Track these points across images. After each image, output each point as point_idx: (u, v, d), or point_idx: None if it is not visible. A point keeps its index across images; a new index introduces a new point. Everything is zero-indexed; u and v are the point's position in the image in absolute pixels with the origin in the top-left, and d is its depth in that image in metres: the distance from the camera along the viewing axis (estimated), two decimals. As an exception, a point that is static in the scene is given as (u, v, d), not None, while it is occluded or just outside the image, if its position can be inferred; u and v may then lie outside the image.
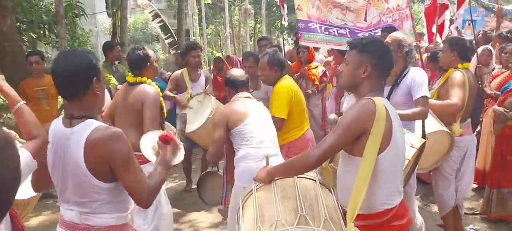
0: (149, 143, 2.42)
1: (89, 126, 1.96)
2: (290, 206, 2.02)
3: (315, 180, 2.27)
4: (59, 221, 2.11)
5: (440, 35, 6.50)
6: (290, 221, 1.91)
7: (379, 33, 5.35)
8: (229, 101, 3.56)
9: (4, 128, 0.87)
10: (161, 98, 3.53)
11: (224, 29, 23.68)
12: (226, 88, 3.65)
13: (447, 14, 5.71)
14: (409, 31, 5.57)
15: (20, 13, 8.35)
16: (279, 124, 3.77)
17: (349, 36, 5.61)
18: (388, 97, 3.23)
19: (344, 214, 2.12)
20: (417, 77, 3.30)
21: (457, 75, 3.68)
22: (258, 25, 24.95)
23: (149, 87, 3.43)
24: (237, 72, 3.66)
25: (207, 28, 22.57)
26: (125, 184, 1.98)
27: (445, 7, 5.68)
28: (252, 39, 25.00)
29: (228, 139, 3.40)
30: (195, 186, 4.40)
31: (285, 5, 7.08)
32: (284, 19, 7.41)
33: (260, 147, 3.22)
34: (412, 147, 2.80)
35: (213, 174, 3.80)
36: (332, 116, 4.26)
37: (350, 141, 2.07)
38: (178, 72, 5.55)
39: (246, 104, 3.41)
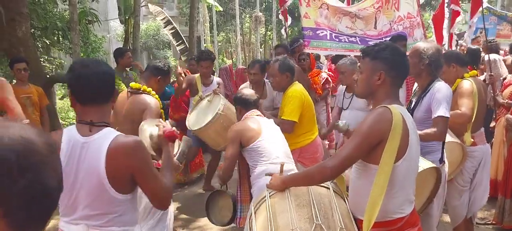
0: (148, 130, 2.41)
1: (110, 134, 1.93)
2: (305, 214, 2.02)
3: (328, 188, 2.27)
4: None
5: (450, 45, 6.45)
6: (305, 230, 1.91)
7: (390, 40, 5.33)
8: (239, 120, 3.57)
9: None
10: (161, 110, 3.49)
11: (234, 37, 23.78)
12: (236, 108, 3.67)
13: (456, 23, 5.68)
14: (420, 38, 5.55)
15: (34, 19, 8.47)
16: (290, 126, 3.80)
17: (360, 43, 5.59)
18: (412, 113, 3.08)
19: (356, 222, 2.12)
20: (437, 93, 3.05)
21: (465, 84, 3.63)
22: (269, 33, 25.01)
23: (150, 98, 3.38)
24: (248, 92, 3.69)
25: (218, 35, 22.68)
26: (148, 190, 1.96)
27: (457, 14, 5.65)
28: (263, 46, 25.06)
29: (242, 157, 3.39)
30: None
31: (289, 17, 6.98)
32: (285, 30, 7.37)
33: (277, 162, 3.08)
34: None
35: (222, 193, 3.76)
36: (343, 122, 4.16)
37: (367, 150, 2.05)
38: (192, 76, 5.66)
39: (258, 121, 3.41)
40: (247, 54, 26.03)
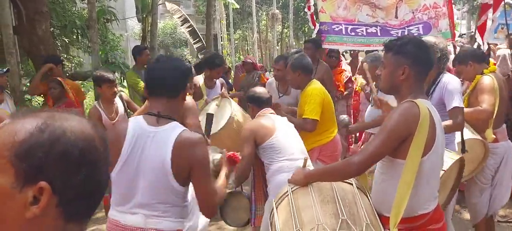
0: (211, 155, 2.50)
1: (177, 128, 2.00)
2: (329, 210, 2.01)
3: (352, 184, 2.25)
4: (111, 227, 2.05)
5: (481, 37, 6.26)
6: (331, 226, 1.90)
7: (413, 31, 5.22)
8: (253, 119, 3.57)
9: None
10: None
11: (251, 34, 23.80)
12: (249, 106, 3.66)
13: (489, 14, 5.48)
14: (445, 29, 5.39)
15: (54, 18, 8.59)
16: (312, 125, 3.77)
17: (379, 34, 5.46)
18: None
19: (380, 219, 2.10)
20: (448, 85, 3.18)
21: (486, 80, 3.60)
22: (286, 30, 24.97)
23: (189, 99, 3.44)
24: (261, 90, 3.68)
25: (234, 33, 22.73)
26: (200, 190, 2.01)
27: (487, 6, 5.47)
28: (279, 44, 25.03)
29: (256, 157, 3.37)
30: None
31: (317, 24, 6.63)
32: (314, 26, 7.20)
33: (293, 159, 3.18)
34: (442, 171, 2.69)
35: (237, 195, 3.75)
36: (344, 117, 4.22)
37: (394, 146, 2.01)
38: (196, 78, 5.46)
39: (272, 119, 3.39)
40: (264, 52, 26.02)
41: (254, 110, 3.58)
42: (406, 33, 5.35)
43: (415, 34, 5.26)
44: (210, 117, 3.44)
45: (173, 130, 1.98)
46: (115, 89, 4.49)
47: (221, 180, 2.29)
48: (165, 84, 2.05)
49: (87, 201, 0.93)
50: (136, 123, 2.04)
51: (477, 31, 5.44)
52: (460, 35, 11.26)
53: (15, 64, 6.47)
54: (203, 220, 3.43)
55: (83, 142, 0.90)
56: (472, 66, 3.72)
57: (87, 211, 0.95)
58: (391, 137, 2.00)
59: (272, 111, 3.55)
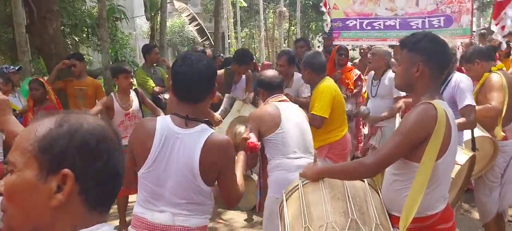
0: (237, 126, 2.52)
1: (207, 131, 2.02)
2: (340, 208, 2.00)
3: (363, 181, 2.23)
4: (136, 224, 2.08)
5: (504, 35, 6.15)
6: (340, 224, 1.89)
7: (434, 22, 5.18)
8: (262, 104, 3.42)
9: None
10: None
11: (258, 32, 23.80)
12: (259, 91, 3.47)
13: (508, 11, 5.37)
14: (466, 25, 5.34)
15: (65, 17, 8.68)
16: (320, 122, 3.77)
17: (398, 28, 5.41)
18: None
19: (390, 217, 2.10)
20: (460, 83, 3.19)
21: (494, 78, 3.59)
22: (293, 28, 24.93)
23: None
24: (271, 73, 3.46)
25: (241, 31, 22.74)
26: (225, 187, 2.09)
27: (505, 3, 5.38)
28: (286, 41, 24.99)
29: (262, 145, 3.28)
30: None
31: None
32: (327, 25, 7.17)
33: (294, 157, 3.08)
34: (457, 164, 2.65)
35: (247, 178, 3.73)
36: (364, 108, 4.27)
37: (409, 150, 1.98)
38: (221, 72, 5.43)
39: (279, 109, 3.17)
40: (271, 50, 26.01)
41: (264, 95, 3.37)
42: (426, 23, 5.29)
43: (436, 26, 5.22)
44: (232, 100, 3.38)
45: (202, 132, 2.00)
46: (131, 80, 4.57)
47: (240, 168, 2.34)
48: (191, 91, 2.04)
49: (107, 189, 0.98)
50: (164, 122, 2.04)
51: (500, 29, 5.33)
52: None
53: (27, 62, 6.57)
54: None
55: (99, 132, 0.97)
56: (480, 65, 3.72)
57: (107, 199, 1.00)
58: (406, 140, 1.96)
59: (284, 97, 3.37)
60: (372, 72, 5.12)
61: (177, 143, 1.99)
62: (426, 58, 2.05)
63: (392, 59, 5.13)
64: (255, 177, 3.76)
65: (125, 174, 1.04)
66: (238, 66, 5.26)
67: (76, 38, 9.91)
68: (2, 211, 0.95)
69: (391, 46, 5.44)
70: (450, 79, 3.27)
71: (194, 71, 2.01)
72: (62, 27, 8.64)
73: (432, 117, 1.93)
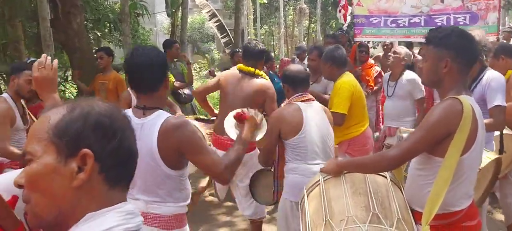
0: (232, 122, 2.54)
1: (162, 116, 2.09)
2: (361, 202, 1.99)
3: (386, 177, 2.22)
4: None
5: None
6: (361, 219, 1.89)
7: (459, 19, 5.10)
8: (287, 101, 3.33)
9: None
10: None
11: (278, 29, 23.74)
12: (284, 86, 3.30)
13: None
14: (492, 23, 5.24)
15: (88, 11, 8.80)
16: (340, 118, 3.76)
17: (423, 24, 5.35)
18: None
19: (412, 213, 2.08)
20: (492, 82, 3.07)
21: None
22: (313, 25, 24.80)
23: (269, 83, 3.71)
24: (297, 68, 3.34)
25: (261, 28, 22.72)
26: (200, 164, 2.12)
27: None
28: (306, 39, 24.89)
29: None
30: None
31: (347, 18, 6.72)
32: (345, 20, 7.16)
33: (312, 163, 3.00)
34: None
35: (266, 173, 3.71)
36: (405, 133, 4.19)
37: (432, 144, 1.95)
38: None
39: (302, 111, 3.07)
40: (290, 47, 25.93)
41: (289, 92, 3.23)
42: (451, 20, 5.22)
43: (461, 23, 5.15)
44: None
45: (158, 118, 2.07)
46: None
47: (236, 144, 2.29)
48: (143, 81, 2.12)
49: (125, 167, 1.02)
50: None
51: None
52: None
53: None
54: None
55: (110, 112, 1.00)
56: (504, 61, 3.65)
57: (126, 177, 1.03)
58: (430, 134, 1.94)
59: (309, 96, 3.22)
60: (388, 72, 5.07)
61: (138, 132, 2.03)
62: (454, 54, 2.00)
63: (418, 56, 5.08)
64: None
65: (137, 154, 1.07)
66: (265, 62, 5.31)
67: (98, 33, 10.02)
68: (25, 202, 0.97)
69: (414, 43, 5.39)
70: (482, 77, 3.15)
71: (144, 61, 2.08)
72: (85, 22, 8.75)
73: (458, 112, 1.90)
